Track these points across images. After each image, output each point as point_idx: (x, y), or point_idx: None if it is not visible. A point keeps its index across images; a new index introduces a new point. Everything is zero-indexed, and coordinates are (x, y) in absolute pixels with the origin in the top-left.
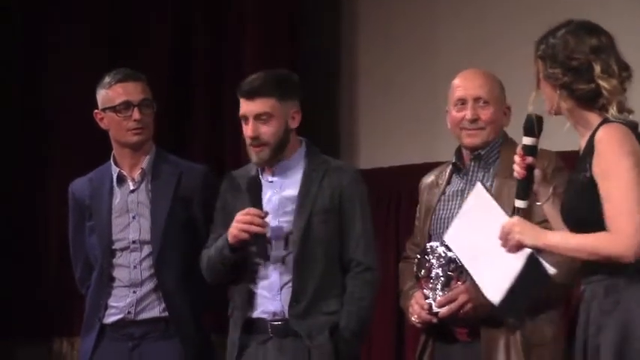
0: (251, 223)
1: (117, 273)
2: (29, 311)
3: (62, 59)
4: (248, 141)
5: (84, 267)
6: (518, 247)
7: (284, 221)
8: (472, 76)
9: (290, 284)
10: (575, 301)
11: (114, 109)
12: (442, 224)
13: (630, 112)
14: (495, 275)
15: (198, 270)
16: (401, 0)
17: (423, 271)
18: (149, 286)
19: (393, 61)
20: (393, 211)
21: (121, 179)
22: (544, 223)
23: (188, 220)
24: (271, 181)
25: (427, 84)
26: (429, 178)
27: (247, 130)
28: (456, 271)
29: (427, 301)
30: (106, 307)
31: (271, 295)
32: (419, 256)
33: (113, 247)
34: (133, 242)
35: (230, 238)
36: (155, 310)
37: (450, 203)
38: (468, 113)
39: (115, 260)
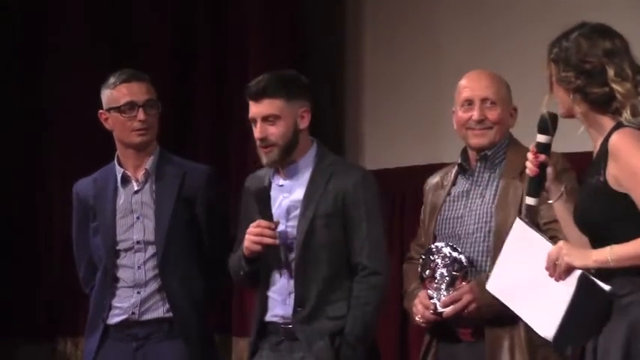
0: (262, 235)
1: (121, 273)
2: (33, 311)
3: (62, 59)
4: (257, 143)
5: (87, 267)
6: (568, 270)
7: (291, 226)
8: (479, 77)
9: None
10: None
11: (118, 109)
12: (447, 225)
13: None
14: (547, 310)
15: (202, 270)
16: (406, 2)
17: (427, 271)
18: (153, 286)
19: (398, 63)
20: (397, 213)
21: (125, 180)
22: (554, 224)
23: (192, 221)
24: (282, 185)
25: (432, 85)
26: (434, 180)
27: (255, 131)
28: (461, 271)
29: (432, 301)
30: (110, 308)
31: (281, 298)
32: (423, 257)
33: (117, 248)
34: (137, 243)
35: (244, 251)
36: (159, 310)
37: (456, 204)
38: (475, 114)
39: (119, 261)
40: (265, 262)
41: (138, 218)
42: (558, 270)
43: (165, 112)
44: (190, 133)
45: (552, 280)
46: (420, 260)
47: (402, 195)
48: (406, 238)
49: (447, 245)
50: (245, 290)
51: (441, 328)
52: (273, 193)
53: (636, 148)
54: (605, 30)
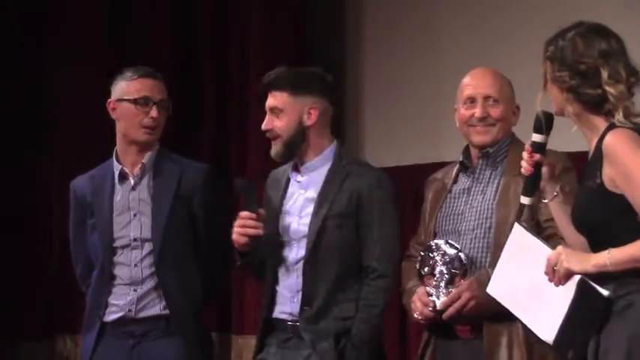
0: (245, 227)
1: (118, 271)
2: (32, 309)
3: (62, 59)
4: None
5: (85, 265)
6: (567, 275)
7: (303, 223)
8: (482, 74)
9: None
10: None
11: (134, 101)
12: (447, 221)
13: (638, 116)
14: (547, 314)
15: (198, 268)
16: (406, 1)
17: (426, 268)
18: (150, 284)
19: (398, 62)
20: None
21: (123, 176)
22: (553, 221)
23: (189, 218)
24: (299, 181)
25: (432, 84)
26: (435, 178)
27: (263, 123)
28: (460, 269)
29: (430, 298)
30: (107, 305)
31: (290, 295)
32: (422, 253)
33: (114, 245)
34: (134, 240)
35: (235, 244)
36: (156, 307)
37: (456, 201)
38: (477, 111)
39: (115, 258)
40: (274, 257)
41: (135, 215)
42: (557, 275)
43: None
44: (190, 133)
45: (551, 284)
46: (419, 257)
47: (401, 194)
48: (405, 237)
49: (446, 242)
50: (244, 289)
51: (440, 325)
52: (290, 189)
53: (631, 149)
54: (602, 30)
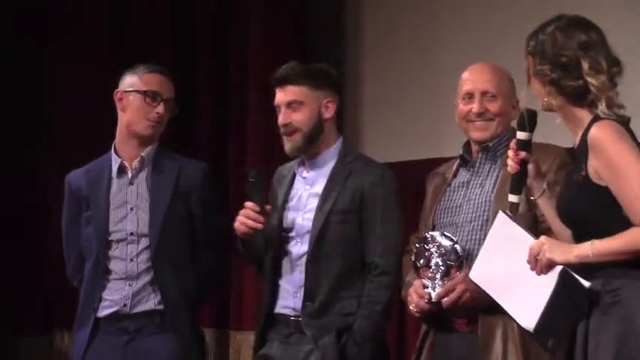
0: (246, 217)
1: (113, 265)
2: (32, 306)
3: (62, 58)
4: (281, 130)
5: (77, 260)
6: (549, 265)
7: (307, 218)
8: (480, 69)
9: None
10: None
11: (144, 93)
12: (446, 214)
13: (621, 107)
14: (528, 302)
15: (194, 264)
16: (406, 0)
17: (422, 260)
18: (145, 279)
19: (397, 60)
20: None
21: (122, 170)
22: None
23: (186, 215)
24: (305, 177)
25: (431, 81)
26: (436, 173)
27: (279, 118)
28: (456, 261)
29: (426, 290)
30: (101, 300)
31: (293, 290)
32: (418, 245)
33: (109, 239)
34: (131, 234)
35: (237, 232)
36: (150, 302)
37: (455, 194)
38: (475, 106)
39: (111, 252)
40: (278, 251)
41: (132, 209)
42: (539, 264)
43: None
44: (189, 133)
45: (533, 273)
46: (414, 249)
47: (401, 190)
48: (405, 233)
49: (442, 234)
50: (242, 285)
51: (438, 318)
52: (296, 184)
53: (616, 141)
54: (582, 22)
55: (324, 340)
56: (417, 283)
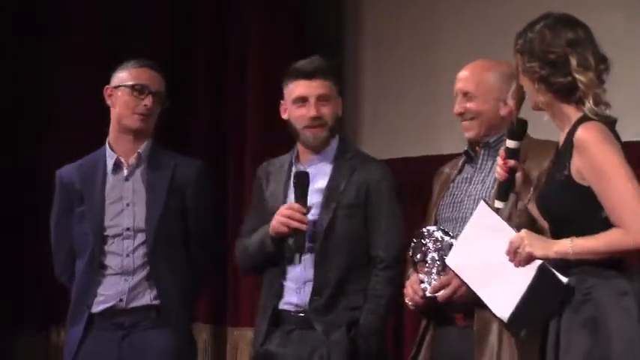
0: (291, 218)
1: (109, 261)
2: (27, 300)
3: (62, 58)
4: (306, 122)
5: (68, 255)
6: (528, 259)
7: (311, 213)
8: (466, 69)
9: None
10: None
11: (131, 87)
12: (447, 209)
13: (607, 105)
14: (504, 292)
15: (189, 260)
16: None
17: (418, 255)
18: (141, 274)
19: (396, 56)
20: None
21: (117, 166)
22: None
23: (182, 211)
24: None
25: (430, 77)
26: (442, 171)
27: (309, 110)
28: None
29: (422, 285)
30: (95, 295)
31: (296, 287)
32: (415, 240)
33: (105, 234)
34: (127, 229)
35: (270, 230)
36: (146, 297)
37: (457, 190)
38: (455, 107)
39: (106, 247)
40: (281, 249)
41: (128, 205)
42: (519, 257)
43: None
44: (188, 132)
45: (511, 264)
46: (412, 244)
47: (399, 186)
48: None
49: (438, 229)
50: (239, 281)
51: (437, 312)
52: (294, 180)
53: (601, 144)
54: (569, 20)
55: (336, 334)
56: (413, 277)
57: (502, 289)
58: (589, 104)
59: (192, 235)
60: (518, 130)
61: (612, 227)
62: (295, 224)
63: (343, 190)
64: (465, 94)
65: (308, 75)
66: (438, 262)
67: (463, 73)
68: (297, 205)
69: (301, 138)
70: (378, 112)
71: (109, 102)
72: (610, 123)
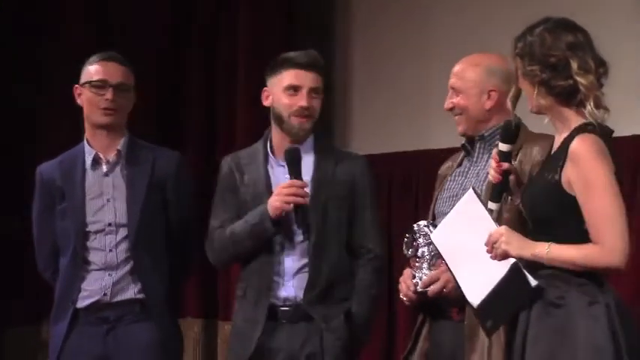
0: (295, 195)
1: (92, 256)
2: (18, 295)
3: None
4: (295, 111)
5: (50, 251)
6: (503, 256)
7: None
8: (457, 64)
9: (304, 270)
10: None
11: (90, 84)
12: (444, 203)
13: (606, 109)
14: (478, 279)
15: (173, 253)
16: None
17: (410, 250)
18: (125, 269)
19: (386, 48)
20: (385, 197)
21: (96, 161)
22: None
23: (163, 204)
24: (282, 165)
25: (420, 72)
26: (445, 164)
27: (301, 99)
28: None
29: (414, 280)
30: (80, 291)
31: (283, 281)
32: (407, 235)
33: (87, 230)
34: (109, 225)
35: (272, 210)
36: (130, 291)
37: (453, 183)
38: (445, 103)
39: (89, 243)
40: (268, 243)
41: (108, 201)
42: (495, 252)
43: (155, 97)
44: (180, 126)
45: (489, 255)
46: (405, 239)
47: (389, 180)
48: (393, 223)
49: (428, 224)
50: (230, 275)
51: (433, 306)
52: (274, 171)
53: (594, 160)
54: (568, 24)
55: (335, 323)
56: (406, 272)
57: (476, 276)
58: (590, 107)
59: (174, 226)
60: (511, 133)
61: (589, 238)
62: (300, 200)
63: (331, 182)
64: (454, 89)
65: (305, 66)
66: (428, 257)
67: (454, 68)
68: (299, 182)
69: (285, 126)
70: (367, 106)
71: (79, 102)
72: (607, 134)
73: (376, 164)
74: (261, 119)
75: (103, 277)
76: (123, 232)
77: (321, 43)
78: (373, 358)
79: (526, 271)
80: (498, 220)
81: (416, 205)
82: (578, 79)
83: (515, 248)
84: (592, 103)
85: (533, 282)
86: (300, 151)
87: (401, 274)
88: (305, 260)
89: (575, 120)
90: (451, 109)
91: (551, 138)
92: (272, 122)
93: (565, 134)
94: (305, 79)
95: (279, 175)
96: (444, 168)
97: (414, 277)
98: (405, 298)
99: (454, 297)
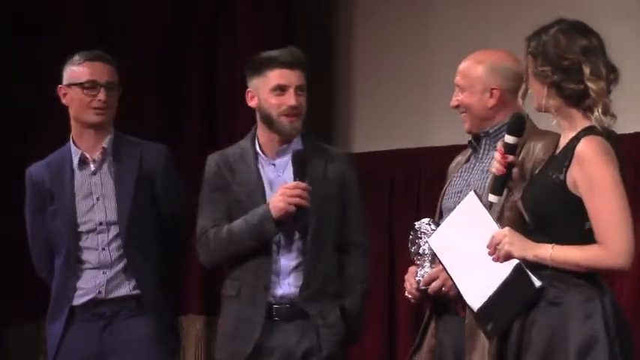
0: (300, 197)
1: (85, 256)
2: (18, 293)
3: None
4: (284, 111)
5: (45, 253)
6: (506, 257)
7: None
8: (463, 61)
9: (298, 268)
10: None
11: (81, 85)
12: (449, 199)
13: (613, 117)
14: (479, 283)
15: (165, 246)
16: None
17: (414, 247)
18: (119, 266)
19: (387, 43)
20: (386, 194)
21: (83, 161)
22: None
23: (152, 199)
24: (275, 164)
25: (423, 69)
26: (455, 160)
27: (289, 99)
28: None
29: (416, 278)
30: (75, 290)
31: (279, 279)
32: (412, 233)
33: (79, 230)
34: (100, 224)
35: (276, 211)
36: (125, 288)
37: (459, 179)
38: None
39: (81, 243)
40: (266, 243)
41: (98, 199)
42: (498, 254)
43: (154, 94)
44: (180, 122)
45: (490, 258)
46: (409, 237)
47: (391, 178)
48: (395, 221)
49: (430, 222)
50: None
51: (440, 302)
52: (265, 170)
53: (601, 161)
54: (583, 27)
55: (331, 318)
56: (410, 270)
57: (478, 280)
58: (597, 113)
59: (165, 220)
60: (517, 125)
61: (592, 241)
62: (304, 202)
63: (323, 181)
64: (458, 87)
65: (290, 65)
66: (430, 255)
67: (460, 66)
68: (304, 184)
69: (276, 126)
70: (369, 103)
71: (64, 101)
72: (613, 139)
73: (378, 162)
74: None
75: (97, 276)
76: (114, 230)
77: (321, 40)
78: (375, 355)
79: (530, 272)
80: (500, 218)
81: (417, 203)
82: (590, 84)
83: (519, 249)
84: (600, 110)
85: (537, 283)
86: (302, 154)
87: (403, 271)
88: (300, 259)
89: (581, 122)
90: (457, 107)
91: (557, 136)
92: (259, 122)
93: (571, 134)
94: (291, 78)
95: (270, 173)
96: (453, 164)
97: (417, 274)
98: (409, 296)
99: (453, 295)
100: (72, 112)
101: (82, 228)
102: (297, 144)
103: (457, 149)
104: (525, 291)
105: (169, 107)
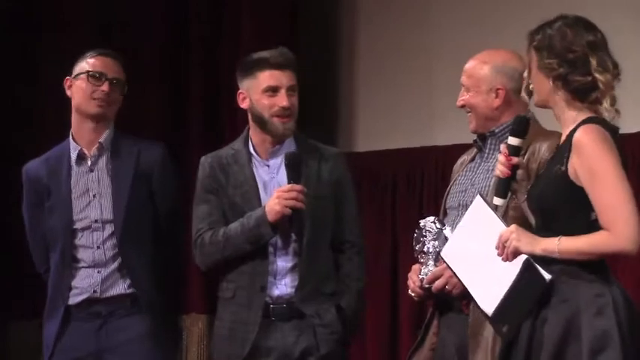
0: (295, 199)
1: (80, 254)
2: (20, 289)
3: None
4: (276, 112)
5: (43, 249)
6: (514, 254)
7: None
8: (468, 61)
9: (295, 269)
10: None
11: (87, 73)
12: (453, 198)
13: (618, 111)
14: (491, 286)
15: (161, 245)
16: None
17: (418, 245)
18: (113, 265)
19: (391, 47)
20: (389, 194)
21: (81, 158)
22: None
23: (149, 197)
24: (269, 165)
25: (426, 68)
26: (460, 159)
27: (281, 100)
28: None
29: (420, 276)
30: (70, 289)
31: (275, 280)
32: (416, 231)
33: (74, 227)
34: (95, 222)
35: (272, 215)
36: (120, 287)
37: (464, 178)
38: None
39: (76, 241)
40: (262, 245)
41: (94, 197)
42: (506, 251)
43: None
44: (183, 119)
45: (500, 260)
46: (414, 235)
47: (394, 177)
48: (398, 219)
49: (434, 220)
50: None
51: (443, 300)
52: (259, 171)
53: (598, 147)
54: (588, 23)
55: (328, 317)
56: (414, 267)
57: (489, 284)
58: (606, 104)
59: (161, 217)
60: (520, 127)
61: (597, 230)
62: (300, 205)
63: (317, 181)
64: (464, 86)
65: (280, 66)
66: (433, 253)
67: (465, 65)
68: (299, 187)
69: (269, 127)
70: (372, 103)
71: (68, 93)
72: (613, 130)
73: (381, 161)
74: None
75: (92, 275)
76: (109, 228)
77: (325, 40)
78: (377, 353)
79: (538, 267)
80: (504, 217)
81: (420, 202)
82: (598, 76)
83: (526, 244)
84: (608, 101)
85: (547, 276)
86: (299, 156)
87: (406, 270)
88: (296, 259)
89: (585, 115)
90: (462, 107)
91: (560, 135)
92: (251, 123)
93: (571, 127)
94: (282, 78)
95: (264, 174)
96: (458, 163)
97: (421, 272)
98: (412, 294)
99: (457, 294)
100: (74, 103)
101: (77, 225)
102: (289, 144)
103: (460, 148)
104: (536, 285)
105: (172, 107)
